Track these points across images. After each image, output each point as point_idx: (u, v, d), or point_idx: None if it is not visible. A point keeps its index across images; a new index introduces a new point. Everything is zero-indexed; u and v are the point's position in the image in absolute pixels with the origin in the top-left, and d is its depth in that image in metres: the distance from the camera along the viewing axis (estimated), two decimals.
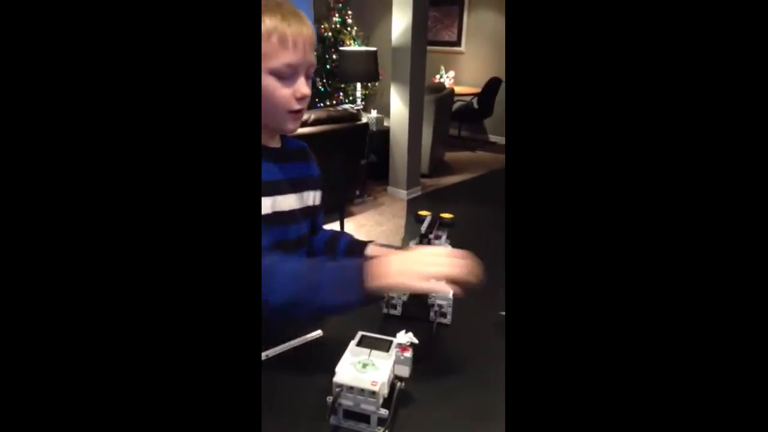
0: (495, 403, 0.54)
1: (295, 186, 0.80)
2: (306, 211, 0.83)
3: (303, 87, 0.68)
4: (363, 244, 0.85)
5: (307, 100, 0.71)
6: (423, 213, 0.75)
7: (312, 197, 0.86)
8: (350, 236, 0.90)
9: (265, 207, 0.72)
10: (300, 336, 0.67)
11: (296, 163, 0.82)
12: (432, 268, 0.56)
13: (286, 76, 0.67)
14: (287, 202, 0.78)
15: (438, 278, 0.55)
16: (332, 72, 4.48)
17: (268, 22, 0.64)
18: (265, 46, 0.64)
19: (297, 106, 0.69)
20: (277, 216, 0.75)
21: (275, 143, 0.79)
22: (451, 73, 4.90)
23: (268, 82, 0.66)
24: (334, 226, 1.81)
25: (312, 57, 0.69)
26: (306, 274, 0.60)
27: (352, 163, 2.90)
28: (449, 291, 0.56)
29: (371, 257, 0.59)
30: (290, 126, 0.72)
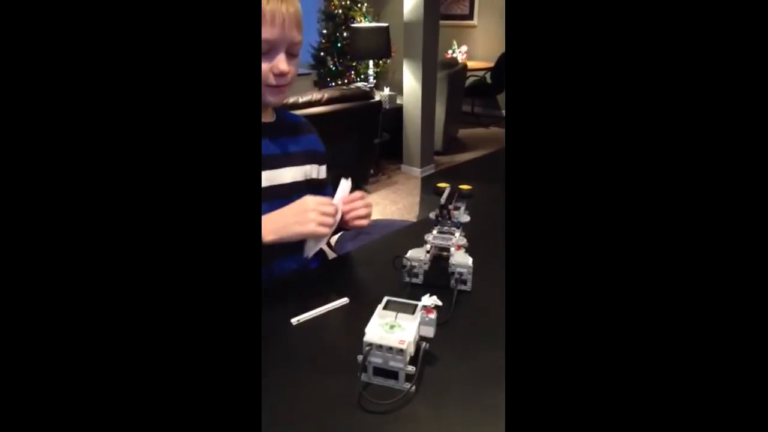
0: None
1: (293, 159, 0.82)
2: (309, 185, 0.85)
3: (281, 63, 0.70)
4: None
5: (289, 77, 0.72)
6: (442, 185, 0.77)
7: (315, 171, 0.87)
8: None
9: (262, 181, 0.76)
10: (327, 303, 0.71)
11: (292, 137, 0.84)
12: (309, 216, 0.68)
13: (263, 51, 0.69)
14: (286, 175, 0.80)
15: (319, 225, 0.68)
16: (343, 50, 4.44)
17: None
18: None
19: (274, 81, 0.71)
20: (275, 189, 0.78)
21: (268, 118, 0.81)
22: (464, 48, 4.81)
23: None
24: None
25: (295, 35, 0.70)
26: None
27: (365, 141, 2.91)
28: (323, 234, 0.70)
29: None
30: (270, 99, 0.74)
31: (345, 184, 0.76)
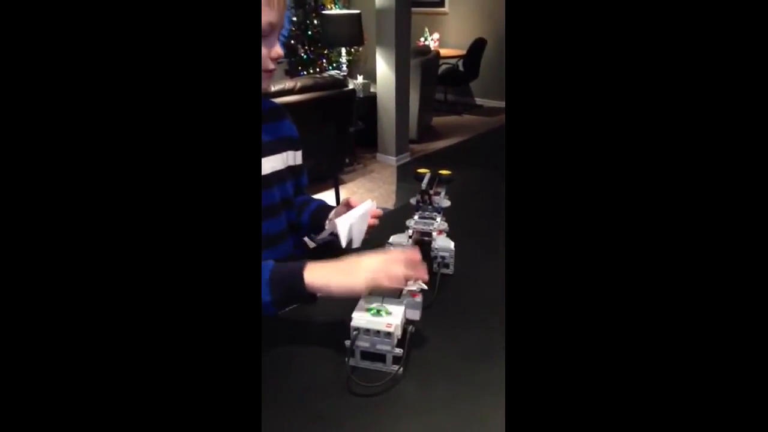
0: (495, 342, 0.59)
1: (273, 147, 0.81)
2: (289, 171, 0.85)
3: (278, 47, 0.70)
4: (330, 209, 0.85)
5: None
6: (422, 170, 0.77)
7: (293, 157, 0.86)
8: (321, 201, 0.90)
9: None
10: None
11: (271, 123, 0.82)
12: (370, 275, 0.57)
13: (266, 34, 0.68)
14: (266, 165, 0.79)
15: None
16: (314, 38, 4.37)
17: None
18: None
19: (272, 66, 0.71)
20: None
21: None
22: (436, 36, 4.81)
23: None
24: (330, 194, 1.82)
25: (283, 19, 0.71)
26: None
27: (340, 130, 2.89)
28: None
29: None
30: (266, 84, 0.74)
31: (371, 204, 0.74)
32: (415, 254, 0.61)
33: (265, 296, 0.59)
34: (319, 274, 0.59)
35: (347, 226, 0.70)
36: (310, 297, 0.60)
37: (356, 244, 0.71)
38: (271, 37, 0.69)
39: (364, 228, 0.74)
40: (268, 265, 0.62)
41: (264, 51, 0.69)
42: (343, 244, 0.70)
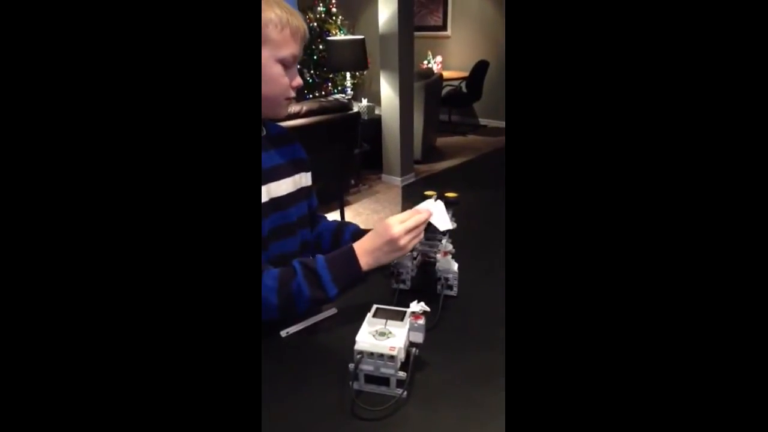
0: (499, 365, 0.59)
1: (287, 170, 0.84)
2: (302, 192, 0.87)
3: (299, 78, 0.75)
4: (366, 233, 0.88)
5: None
6: (429, 193, 0.78)
7: (304, 178, 0.89)
8: (355, 226, 0.92)
9: (261, 196, 0.76)
10: (316, 314, 0.71)
11: (283, 147, 0.85)
12: (406, 239, 0.67)
13: (289, 65, 0.72)
14: (282, 187, 0.81)
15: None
16: (319, 62, 4.47)
17: (279, 13, 0.68)
18: (279, 36, 0.68)
19: (293, 94, 0.76)
20: (275, 202, 0.79)
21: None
22: (439, 58, 4.90)
23: (276, 69, 0.71)
24: (335, 215, 1.84)
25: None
26: (297, 274, 0.67)
27: (345, 152, 2.93)
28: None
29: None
30: (285, 111, 0.78)
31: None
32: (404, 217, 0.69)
33: (331, 290, 0.66)
34: (370, 258, 0.68)
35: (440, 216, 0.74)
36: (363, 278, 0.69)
37: (450, 225, 0.74)
38: (294, 67, 0.73)
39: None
40: (317, 261, 0.67)
41: (286, 80, 0.73)
42: (442, 228, 0.74)
